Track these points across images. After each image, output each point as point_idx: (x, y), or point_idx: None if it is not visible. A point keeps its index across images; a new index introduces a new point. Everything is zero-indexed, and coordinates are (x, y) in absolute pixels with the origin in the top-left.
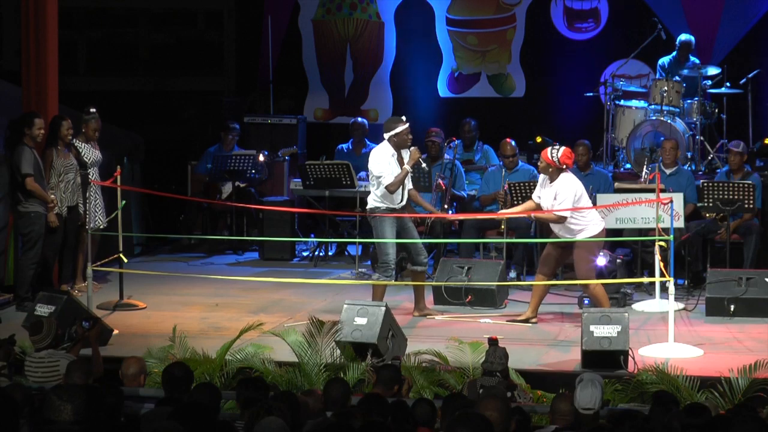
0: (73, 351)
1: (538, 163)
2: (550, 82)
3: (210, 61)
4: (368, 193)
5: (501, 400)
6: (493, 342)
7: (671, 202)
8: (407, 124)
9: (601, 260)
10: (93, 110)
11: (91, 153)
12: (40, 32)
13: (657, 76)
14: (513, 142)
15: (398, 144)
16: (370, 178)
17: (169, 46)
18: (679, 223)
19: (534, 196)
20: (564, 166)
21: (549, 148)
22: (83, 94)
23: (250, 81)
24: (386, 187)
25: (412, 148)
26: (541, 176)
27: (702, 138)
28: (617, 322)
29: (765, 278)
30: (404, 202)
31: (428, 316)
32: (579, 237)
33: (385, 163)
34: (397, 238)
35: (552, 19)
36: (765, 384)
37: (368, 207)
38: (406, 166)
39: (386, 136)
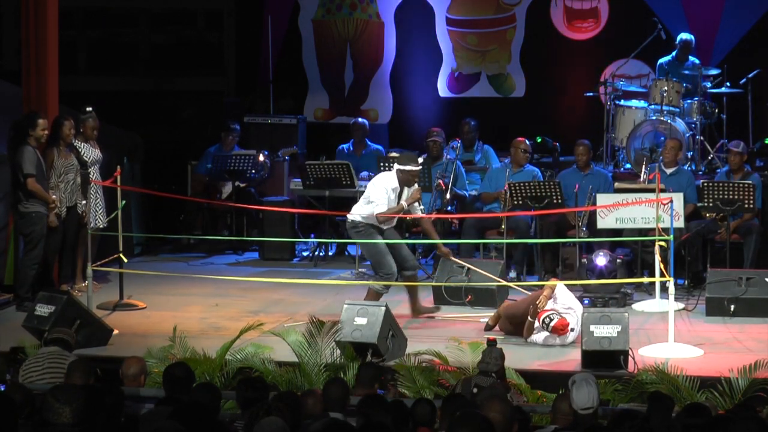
0: None
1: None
2: (550, 82)
3: (210, 61)
4: None
5: (504, 401)
6: (491, 343)
7: (671, 202)
8: (420, 168)
9: (601, 260)
10: (89, 109)
11: (90, 152)
12: (40, 32)
13: (657, 76)
14: (527, 141)
15: (402, 180)
16: (365, 194)
17: (169, 46)
18: (679, 223)
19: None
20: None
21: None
22: (83, 94)
23: (250, 81)
24: (377, 215)
25: (414, 187)
26: None
27: (702, 138)
28: (617, 322)
29: (765, 278)
30: (387, 227)
31: (428, 315)
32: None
33: (383, 191)
34: (382, 245)
35: (552, 19)
36: (765, 384)
37: (350, 219)
38: (403, 203)
39: (396, 167)
